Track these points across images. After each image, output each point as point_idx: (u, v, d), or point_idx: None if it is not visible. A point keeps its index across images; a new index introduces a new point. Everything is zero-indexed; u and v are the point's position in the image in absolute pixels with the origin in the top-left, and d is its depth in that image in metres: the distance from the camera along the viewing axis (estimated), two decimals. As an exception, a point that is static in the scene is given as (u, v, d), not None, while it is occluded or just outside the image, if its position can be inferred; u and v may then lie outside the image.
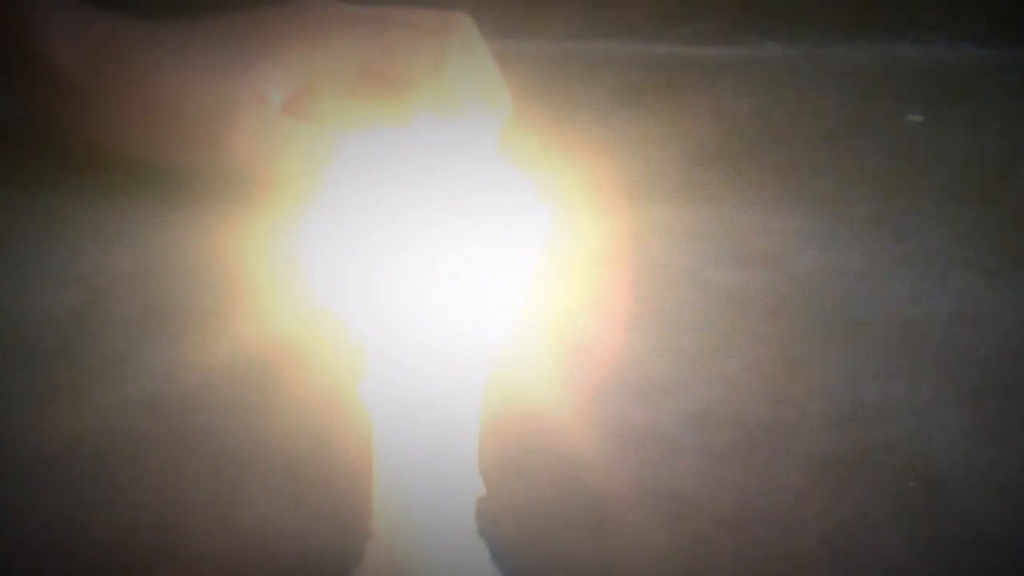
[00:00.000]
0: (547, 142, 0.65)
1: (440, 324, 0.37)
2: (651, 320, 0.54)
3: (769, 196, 0.62)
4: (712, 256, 0.58)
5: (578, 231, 0.59)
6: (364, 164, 0.57)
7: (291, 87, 0.60)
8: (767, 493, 0.45)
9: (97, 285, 0.55)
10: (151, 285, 0.55)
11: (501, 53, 0.62)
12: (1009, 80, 0.73)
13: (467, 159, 0.57)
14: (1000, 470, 0.47)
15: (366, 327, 0.38)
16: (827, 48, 0.76)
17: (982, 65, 0.76)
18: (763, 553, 0.43)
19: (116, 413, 0.48)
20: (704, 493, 0.45)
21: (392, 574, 0.38)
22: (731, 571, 0.42)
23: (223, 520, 0.43)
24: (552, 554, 0.43)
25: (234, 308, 0.53)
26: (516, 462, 0.46)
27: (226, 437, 0.47)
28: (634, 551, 0.43)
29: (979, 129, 0.69)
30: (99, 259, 0.56)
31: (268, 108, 0.58)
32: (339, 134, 0.58)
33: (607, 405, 0.49)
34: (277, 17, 0.60)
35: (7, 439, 0.47)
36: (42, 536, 0.43)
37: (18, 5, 0.59)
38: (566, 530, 0.44)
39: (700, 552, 0.43)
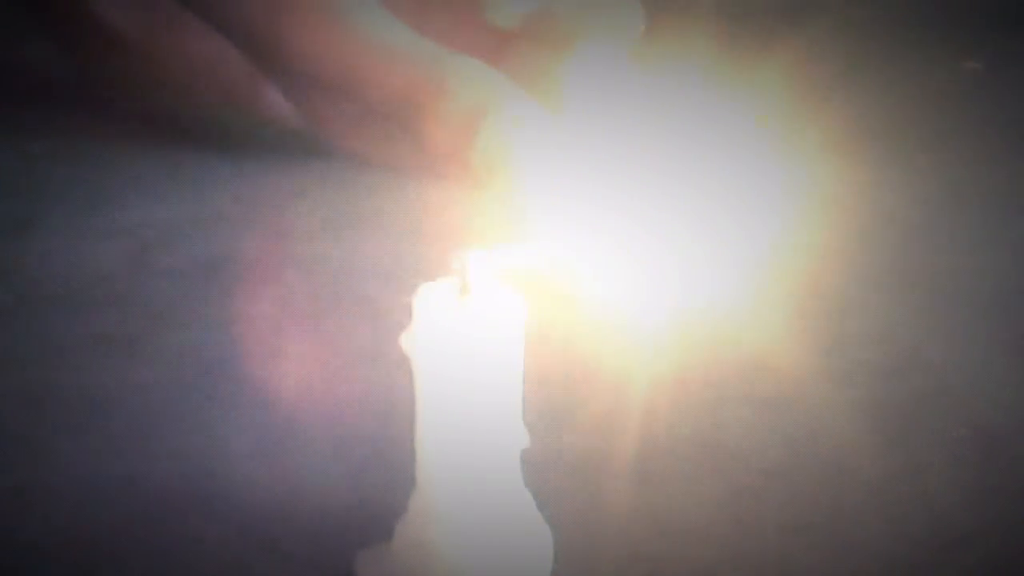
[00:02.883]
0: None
1: (481, 272, 0.37)
2: (700, 269, 0.53)
3: (822, 143, 0.62)
4: (762, 203, 0.58)
5: (626, 178, 0.58)
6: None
7: None
8: (816, 443, 0.45)
9: (147, 236, 0.55)
10: (201, 236, 0.55)
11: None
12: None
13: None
14: (1054, 419, 0.46)
15: (411, 283, 0.38)
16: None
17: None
18: (811, 503, 0.43)
19: (165, 364, 0.48)
20: (752, 443, 0.45)
21: (437, 524, 0.38)
22: (778, 522, 0.42)
23: (269, 470, 0.43)
24: (597, 504, 0.42)
25: (282, 259, 0.53)
26: (561, 412, 0.46)
27: (273, 387, 0.47)
28: (680, 501, 0.43)
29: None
30: (149, 210, 0.56)
31: None
32: None
33: (652, 353, 0.49)
34: None
35: (57, 390, 0.47)
36: (91, 486, 0.43)
37: None
38: (612, 480, 0.43)
39: (747, 503, 0.43)
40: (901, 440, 0.45)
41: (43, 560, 0.40)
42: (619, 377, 0.48)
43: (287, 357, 0.48)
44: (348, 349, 0.49)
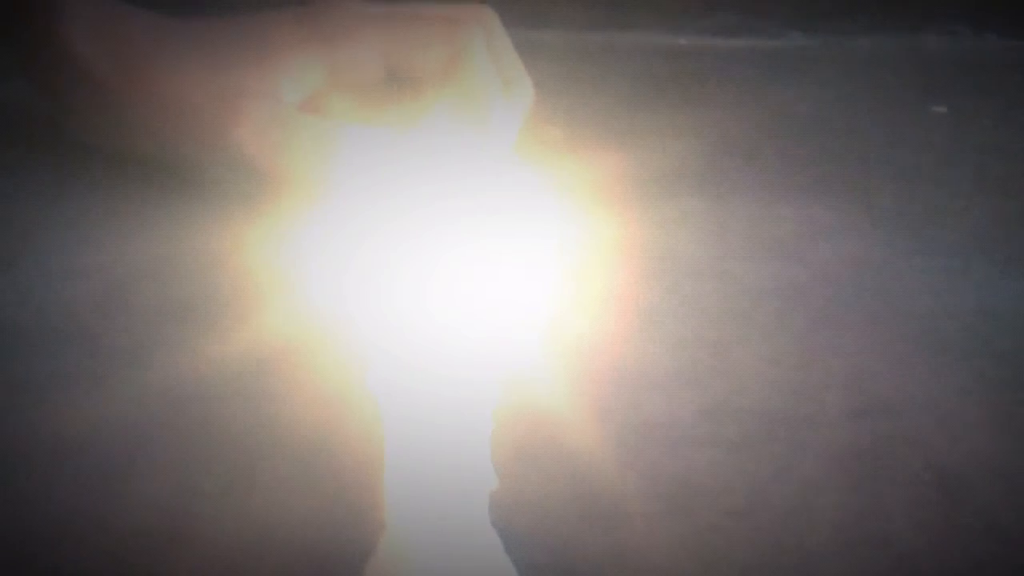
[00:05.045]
0: (569, 134, 0.65)
1: (452, 318, 0.37)
2: (668, 311, 0.54)
3: (789, 187, 0.62)
4: (730, 247, 0.58)
5: (596, 223, 0.59)
6: (375, 162, 0.57)
7: (309, 86, 0.60)
8: (781, 484, 0.45)
9: (117, 276, 0.55)
10: (171, 276, 0.55)
11: (524, 44, 0.62)
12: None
13: (481, 159, 0.58)
14: (1017, 463, 0.47)
15: (375, 322, 0.38)
16: (851, 38, 0.76)
17: (1008, 56, 0.75)
18: (775, 544, 0.43)
19: (134, 403, 0.48)
20: (717, 484, 0.45)
21: (404, 565, 0.38)
22: (743, 562, 0.42)
23: (237, 508, 0.44)
24: (564, 545, 0.43)
25: (251, 300, 0.53)
26: (529, 454, 0.46)
27: (241, 426, 0.47)
28: (646, 542, 0.43)
29: (1004, 121, 0.69)
30: (119, 250, 0.56)
31: (279, 103, 0.58)
32: (351, 130, 0.58)
33: (621, 396, 0.49)
34: (298, 15, 0.60)
35: (27, 427, 0.47)
36: (60, 524, 0.43)
37: None
38: (579, 522, 0.44)
39: (712, 543, 0.43)
40: (865, 482, 0.45)
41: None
42: (585, 418, 0.48)
43: (255, 397, 0.48)
44: (315, 388, 0.49)
